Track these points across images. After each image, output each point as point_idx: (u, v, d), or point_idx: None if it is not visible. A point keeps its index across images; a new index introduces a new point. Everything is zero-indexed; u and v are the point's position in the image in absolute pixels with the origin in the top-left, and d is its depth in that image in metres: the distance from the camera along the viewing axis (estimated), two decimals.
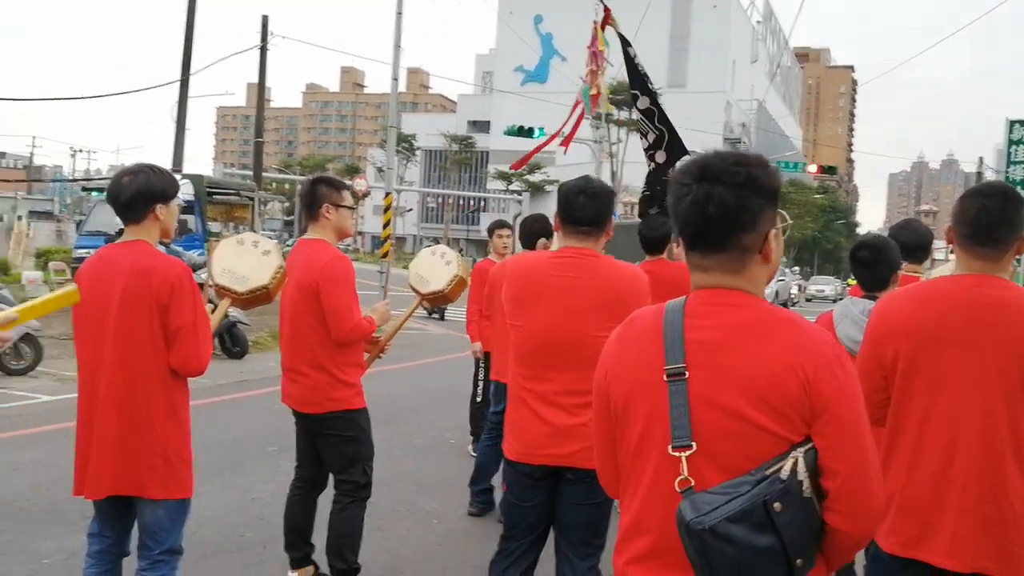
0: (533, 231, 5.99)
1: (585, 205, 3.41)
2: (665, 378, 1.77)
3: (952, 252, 2.74)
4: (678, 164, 6.03)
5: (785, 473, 1.65)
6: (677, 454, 1.72)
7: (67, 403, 8.34)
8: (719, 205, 1.75)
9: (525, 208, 57.46)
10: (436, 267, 4.88)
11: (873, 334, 2.69)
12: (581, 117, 5.83)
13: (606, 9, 6.08)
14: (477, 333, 7.19)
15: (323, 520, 4.37)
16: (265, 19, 27.79)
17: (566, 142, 6.00)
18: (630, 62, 6.60)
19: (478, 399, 7.52)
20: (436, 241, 41.09)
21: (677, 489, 1.69)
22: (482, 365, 7.33)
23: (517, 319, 3.48)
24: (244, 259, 3.82)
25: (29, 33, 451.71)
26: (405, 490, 6.47)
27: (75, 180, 67.62)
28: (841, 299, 4.13)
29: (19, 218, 40.78)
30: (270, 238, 4.09)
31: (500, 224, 7.42)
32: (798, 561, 1.66)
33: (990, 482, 2.44)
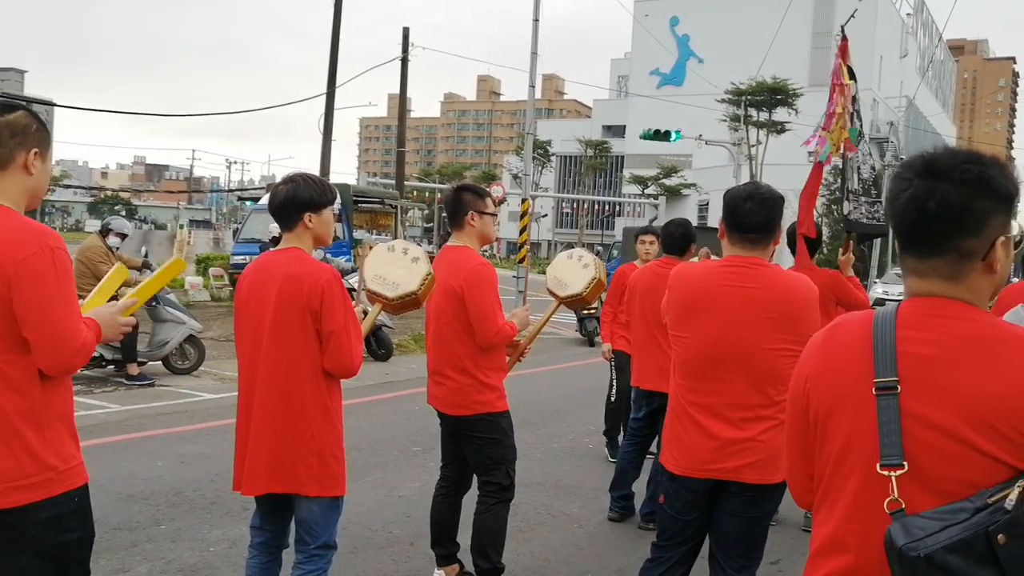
0: (675, 236, 5.91)
1: (754, 212, 3.31)
2: (874, 391, 1.67)
3: None
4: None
5: (1011, 503, 1.52)
6: (886, 473, 1.62)
7: (228, 401, 8.83)
8: (941, 203, 1.63)
9: (661, 212, 56.94)
10: (574, 270, 4.90)
11: None
12: (819, 175, 5.19)
13: (844, 38, 5.54)
14: (609, 334, 7.24)
15: (468, 520, 4.48)
16: (406, 31, 28.54)
17: (804, 215, 5.25)
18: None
19: (612, 400, 7.56)
20: (571, 246, 41.09)
21: (886, 511, 1.59)
22: (613, 365, 7.37)
23: (683, 330, 3.41)
24: (394, 266, 3.94)
25: (189, 52, 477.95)
26: (545, 493, 6.55)
27: (231, 191, 71.19)
28: None
29: (181, 226, 43.42)
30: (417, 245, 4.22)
31: (646, 230, 7.45)
32: None
33: None
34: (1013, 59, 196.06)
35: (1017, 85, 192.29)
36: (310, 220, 3.46)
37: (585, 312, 16.09)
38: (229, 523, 5.48)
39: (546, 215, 75.44)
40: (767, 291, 3.27)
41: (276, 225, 3.62)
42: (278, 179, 3.89)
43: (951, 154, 1.69)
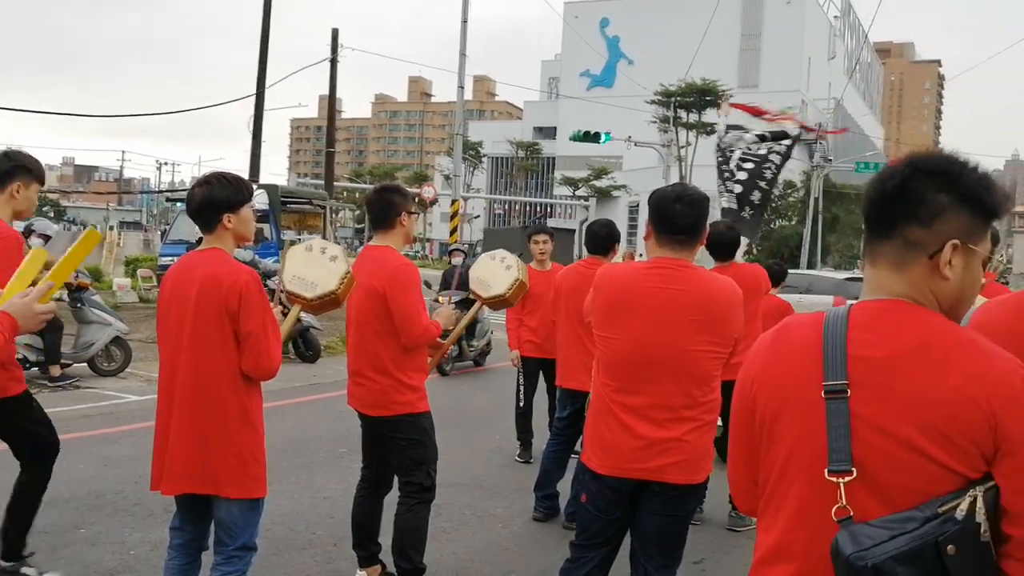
0: (600, 236, 5.97)
1: (684, 213, 3.31)
2: (823, 395, 1.62)
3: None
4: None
5: (961, 513, 1.48)
6: (834, 479, 1.57)
7: (154, 403, 8.64)
8: (898, 185, 1.63)
9: (592, 213, 57.37)
10: (497, 272, 4.94)
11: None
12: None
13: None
14: (516, 341, 7.29)
15: (390, 520, 4.49)
16: (335, 32, 28.26)
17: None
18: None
19: (521, 404, 7.62)
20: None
21: (834, 518, 1.55)
22: (521, 371, 7.45)
23: (608, 330, 3.41)
24: (313, 265, 3.92)
25: (118, 52, 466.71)
26: (470, 494, 6.58)
27: (160, 192, 69.82)
28: None
29: (111, 228, 42.47)
30: (340, 245, 4.22)
31: (537, 230, 7.48)
32: None
33: None
34: (938, 62, 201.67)
35: (942, 88, 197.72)
36: (229, 220, 3.45)
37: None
38: (151, 525, 5.40)
39: (478, 216, 75.40)
40: (692, 293, 3.30)
41: None
42: None
43: (938, 153, 1.67)
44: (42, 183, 4.39)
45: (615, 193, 62.45)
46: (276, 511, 5.57)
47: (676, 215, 3.32)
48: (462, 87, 20.20)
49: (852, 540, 1.49)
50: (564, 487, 6.00)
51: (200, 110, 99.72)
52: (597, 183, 64.77)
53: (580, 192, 66.18)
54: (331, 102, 29.57)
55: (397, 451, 4.38)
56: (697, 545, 5.51)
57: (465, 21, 19.62)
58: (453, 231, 20.36)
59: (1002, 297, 2.62)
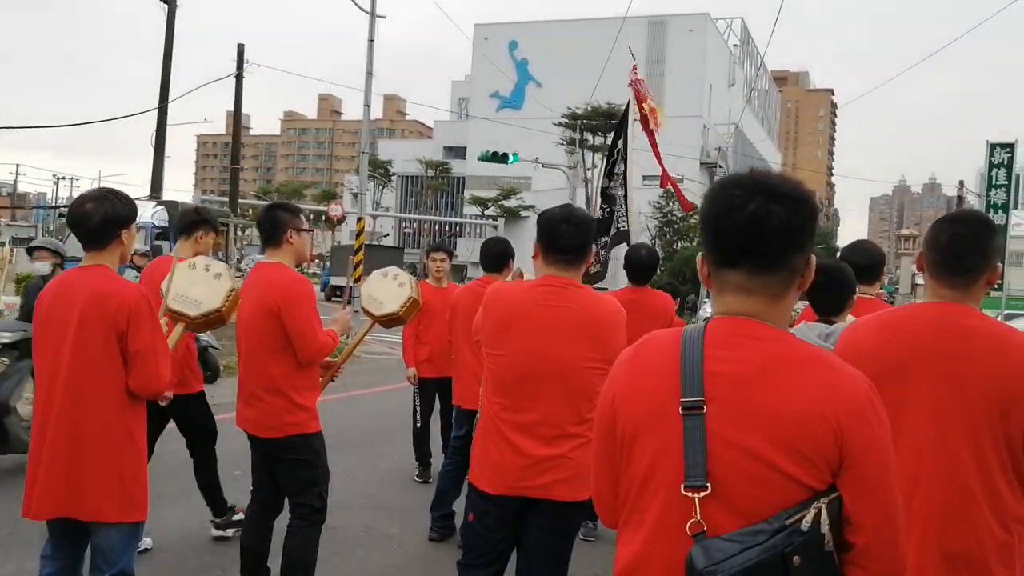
0: (494, 254, 6.01)
1: (569, 234, 3.40)
2: (680, 411, 1.66)
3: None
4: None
5: (806, 524, 1.54)
6: (690, 495, 1.61)
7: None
8: (782, 220, 1.65)
9: (500, 233, 57.61)
10: (389, 289, 4.91)
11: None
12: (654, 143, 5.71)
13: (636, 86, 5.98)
14: (413, 358, 7.27)
15: (280, 543, 4.40)
16: (241, 48, 27.90)
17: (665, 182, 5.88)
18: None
19: (418, 424, 7.59)
20: (413, 266, 41.22)
21: (688, 533, 1.59)
22: (417, 391, 7.42)
23: (497, 348, 3.45)
24: (196, 283, 3.86)
25: (12, 61, 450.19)
26: (367, 515, 6.51)
27: (57, 207, 67.47)
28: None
29: (1, 244, 40.66)
30: (226, 263, 4.16)
31: (435, 247, 7.50)
32: None
33: (955, 517, 2.33)
34: (831, 91, 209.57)
35: (835, 115, 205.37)
36: (125, 237, 3.41)
37: None
38: (27, 556, 5.17)
39: (388, 235, 74.95)
40: (577, 311, 3.36)
41: None
42: None
43: (776, 175, 1.73)
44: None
45: (524, 213, 62.79)
46: (164, 536, 5.41)
47: (563, 235, 3.40)
48: (368, 105, 20.18)
49: (705, 555, 1.54)
50: (460, 506, 5.98)
51: (101, 123, 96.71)
52: (506, 203, 65.15)
53: (489, 212, 66.45)
54: (236, 118, 29.13)
55: (288, 472, 4.31)
56: (594, 561, 5.57)
57: (372, 40, 19.60)
58: (359, 249, 20.20)
59: (866, 317, 2.75)
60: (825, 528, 1.56)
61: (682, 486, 1.62)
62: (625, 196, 5.96)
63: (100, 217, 3.35)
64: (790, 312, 1.76)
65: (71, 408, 3.29)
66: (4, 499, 6.28)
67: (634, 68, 6.04)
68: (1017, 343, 2.36)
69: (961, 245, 2.47)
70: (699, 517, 1.59)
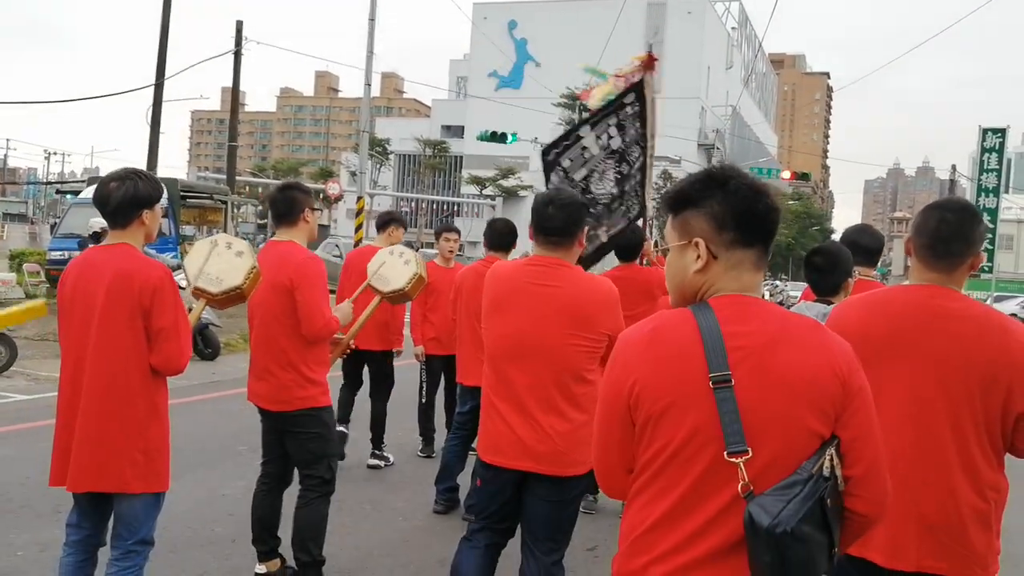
0: (503, 233, 6.12)
1: (553, 216, 3.52)
2: (711, 385, 1.79)
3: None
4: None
5: (827, 470, 1.74)
6: (734, 460, 1.75)
7: (40, 402, 8.41)
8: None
9: (498, 213, 57.61)
10: (395, 266, 4.99)
11: None
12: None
13: (651, 56, 5.97)
14: (420, 336, 7.37)
15: (290, 514, 4.52)
16: (239, 24, 27.81)
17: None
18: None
19: (423, 400, 7.69)
20: (410, 245, 41.10)
21: (741, 494, 1.73)
22: (424, 368, 7.52)
23: (490, 323, 3.61)
24: (218, 261, 3.92)
25: (4, 37, 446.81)
26: (372, 488, 6.63)
27: (49, 183, 67.21)
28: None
29: None
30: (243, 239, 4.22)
31: (447, 228, 7.58)
32: (835, 550, 1.78)
33: (932, 487, 2.49)
34: (827, 74, 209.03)
35: (831, 99, 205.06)
36: (147, 217, 3.48)
37: None
38: (39, 526, 5.29)
39: None
40: (565, 290, 3.49)
41: (97, 220, 3.60)
42: (102, 172, 3.83)
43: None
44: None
45: (522, 193, 62.78)
46: (174, 509, 5.51)
47: (547, 217, 3.55)
48: (369, 85, 20.15)
49: (765, 512, 1.68)
50: (464, 480, 6.11)
51: (95, 99, 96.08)
52: (504, 183, 65.05)
53: (487, 191, 66.36)
54: (234, 95, 29.05)
55: (298, 445, 4.42)
56: (592, 533, 5.70)
57: (372, 19, 19.56)
58: (359, 228, 20.26)
59: (854, 297, 2.93)
60: (839, 470, 1.77)
61: (725, 452, 1.76)
62: (642, 183, 6.01)
63: (121, 197, 3.42)
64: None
65: (100, 386, 3.37)
66: (18, 472, 6.39)
67: (650, 54, 6.06)
68: (997, 324, 2.52)
69: (947, 231, 2.60)
70: (747, 479, 1.74)
